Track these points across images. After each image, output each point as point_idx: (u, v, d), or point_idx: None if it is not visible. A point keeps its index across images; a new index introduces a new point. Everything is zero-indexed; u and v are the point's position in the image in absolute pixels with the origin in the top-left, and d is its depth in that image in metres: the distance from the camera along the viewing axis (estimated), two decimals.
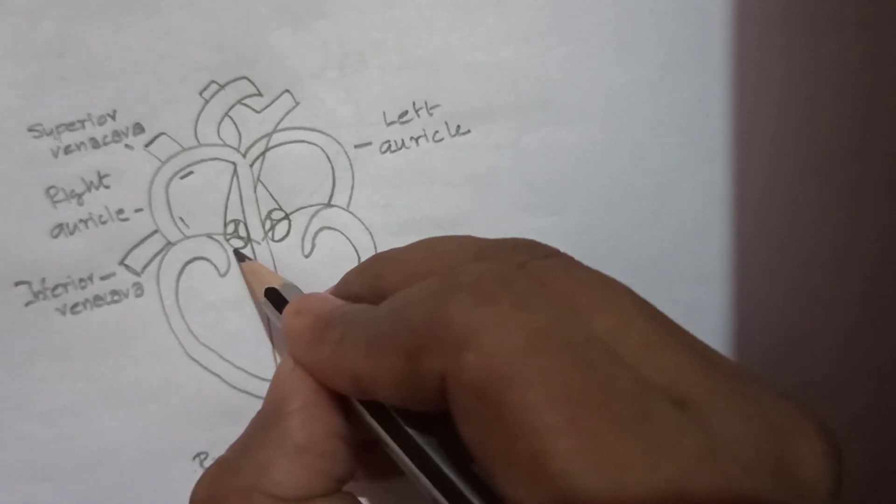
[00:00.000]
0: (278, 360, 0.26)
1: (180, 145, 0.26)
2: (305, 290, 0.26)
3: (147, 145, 0.25)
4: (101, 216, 0.25)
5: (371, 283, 0.21)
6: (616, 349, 0.16)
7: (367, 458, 0.21)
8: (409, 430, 0.19)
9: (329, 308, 0.21)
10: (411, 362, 0.17)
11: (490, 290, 0.16)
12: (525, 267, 0.18)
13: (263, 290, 0.24)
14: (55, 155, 0.25)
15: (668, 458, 0.14)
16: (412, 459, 0.18)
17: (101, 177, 0.25)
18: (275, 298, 0.24)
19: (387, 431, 0.19)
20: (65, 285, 0.25)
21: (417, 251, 0.21)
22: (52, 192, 0.25)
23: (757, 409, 0.16)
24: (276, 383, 0.21)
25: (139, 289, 0.26)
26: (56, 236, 0.25)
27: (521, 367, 0.15)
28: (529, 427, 0.15)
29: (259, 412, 0.21)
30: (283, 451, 0.19)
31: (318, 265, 0.26)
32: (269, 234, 0.26)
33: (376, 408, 0.19)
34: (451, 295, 0.16)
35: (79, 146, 0.25)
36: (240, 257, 0.26)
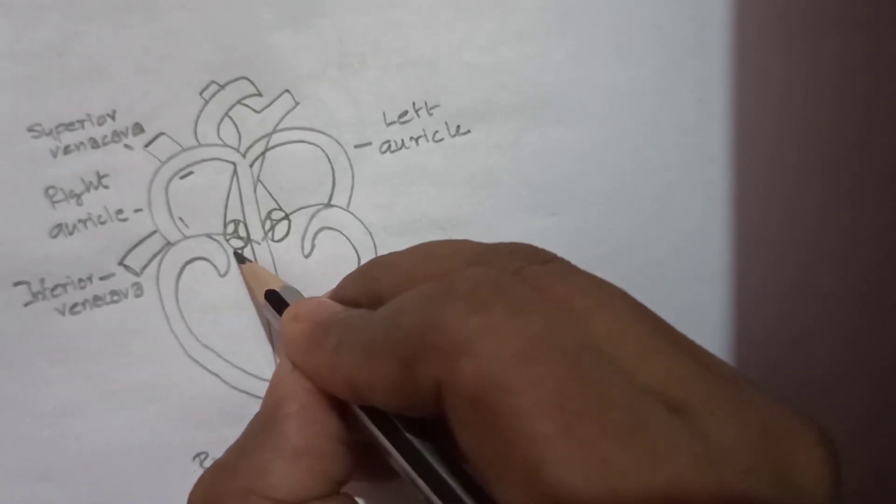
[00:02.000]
0: (278, 360, 0.26)
1: (180, 145, 0.26)
2: (305, 291, 0.26)
3: (147, 145, 0.25)
4: (100, 216, 0.25)
5: (368, 287, 0.21)
6: (612, 354, 0.16)
7: (365, 458, 0.21)
8: (408, 435, 0.19)
9: (327, 314, 0.21)
10: (406, 369, 0.17)
11: (485, 296, 0.16)
12: (521, 272, 0.18)
13: (263, 293, 0.24)
14: (54, 155, 0.25)
15: (663, 465, 0.14)
16: (410, 464, 0.18)
17: (100, 177, 0.25)
18: (275, 301, 0.24)
19: (385, 436, 0.19)
20: (64, 285, 0.25)
21: (413, 255, 0.21)
22: (51, 192, 0.25)
23: (754, 414, 0.16)
24: (274, 385, 0.21)
25: (138, 289, 0.26)
26: (55, 236, 0.25)
27: (516, 374, 0.15)
28: (524, 435, 0.15)
29: (256, 414, 0.21)
30: (279, 453, 0.19)
31: (317, 265, 0.26)
32: (269, 234, 0.26)
33: (375, 412, 0.19)
34: (445, 301, 0.16)
35: (78, 146, 0.25)
36: (240, 259, 0.26)
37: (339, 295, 0.22)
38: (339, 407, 0.20)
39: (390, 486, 0.23)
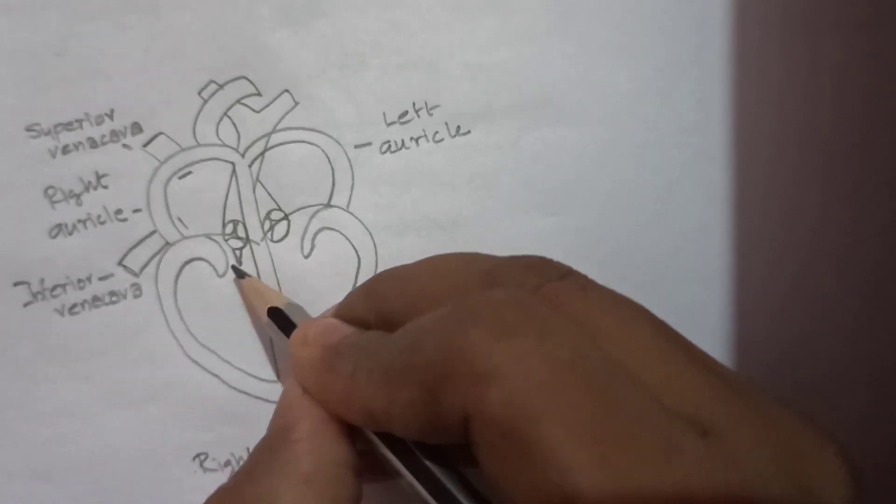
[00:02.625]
0: (278, 362, 0.26)
1: (179, 145, 0.25)
2: (305, 291, 0.26)
3: (145, 145, 0.25)
4: (99, 216, 0.25)
5: (376, 305, 0.21)
6: (639, 376, 0.16)
7: (369, 467, 0.21)
8: (427, 463, 0.18)
9: (337, 337, 0.20)
10: (430, 397, 0.16)
11: (510, 320, 0.16)
12: (541, 290, 0.17)
13: (265, 310, 0.24)
14: (53, 155, 0.25)
15: (699, 494, 0.14)
16: (429, 492, 0.18)
17: (99, 177, 0.25)
18: (279, 319, 0.24)
19: (402, 462, 0.19)
20: (63, 286, 0.25)
21: (422, 270, 0.20)
22: (50, 192, 0.25)
23: (779, 435, 0.16)
24: (283, 408, 0.21)
25: (137, 289, 0.26)
26: (54, 237, 0.25)
27: (548, 403, 0.15)
28: (559, 466, 0.14)
29: (264, 438, 0.21)
30: (289, 479, 0.19)
31: (317, 266, 0.26)
32: (269, 234, 0.26)
33: (390, 437, 0.19)
34: (470, 326, 0.16)
35: (77, 146, 0.25)
36: (239, 274, 0.26)
37: (345, 312, 0.22)
38: (350, 431, 0.20)
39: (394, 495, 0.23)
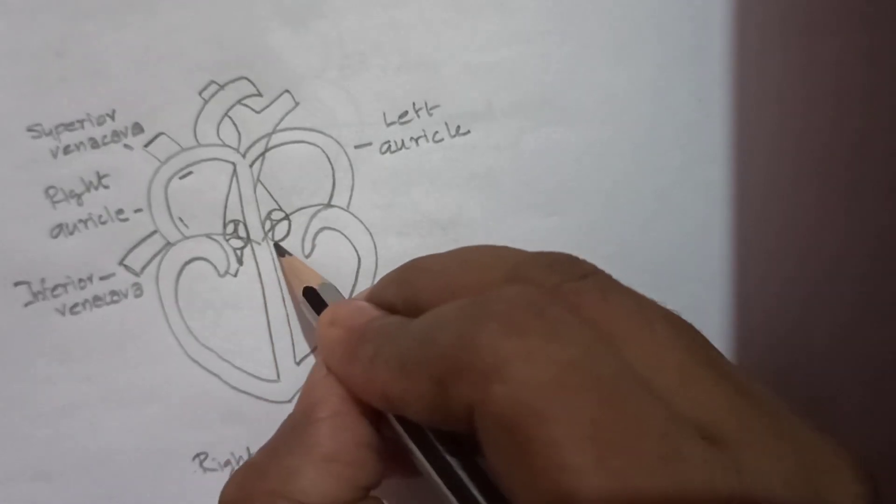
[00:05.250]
0: (278, 360, 0.26)
1: (179, 145, 0.26)
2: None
3: (146, 145, 0.25)
4: (100, 216, 0.25)
5: (405, 292, 0.21)
6: (649, 381, 0.16)
7: (395, 454, 0.21)
8: (440, 448, 0.19)
9: (363, 320, 0.21)
10: (440, 388, 0.17)
11: (521, 319, 0.16)
12: (559, 289, 0.17)
13: (301, 289, 0.24)
14: (54, 155, 0.25)
15: (695, 498, 0.14)
16: (441, 478, 0.18)
17: (100, 177, 0.25)
18: (313, 298, 0.24)
19: (418, 447, 0.19)
20: (64, 285, 0.25)
21: (452, 262, 0.20)
22: (51, 192, 0.25)
23: (791, 447, 0.15)
24: (308, 388, 0.21)
25: (138, 289, 0.26)
26: (55, 236, 0.25)
27: (550, 402, 0.15)
28: (556, 465, 0.14)
29: (289, 416, 0.21)
30: (310, 458, 0.19)
31: (318, 266, 0.26)
32: (269, 234, 0.26)
33: (409, 422, 0.19)
34: (481, 321, 0.16)
35: (78, 146, 0.25)
36: (280, 251, 0.26)
37: (376, 295, 0.22)
38: (372, 413, 0.20)
39: (418, 488, 0.23)
